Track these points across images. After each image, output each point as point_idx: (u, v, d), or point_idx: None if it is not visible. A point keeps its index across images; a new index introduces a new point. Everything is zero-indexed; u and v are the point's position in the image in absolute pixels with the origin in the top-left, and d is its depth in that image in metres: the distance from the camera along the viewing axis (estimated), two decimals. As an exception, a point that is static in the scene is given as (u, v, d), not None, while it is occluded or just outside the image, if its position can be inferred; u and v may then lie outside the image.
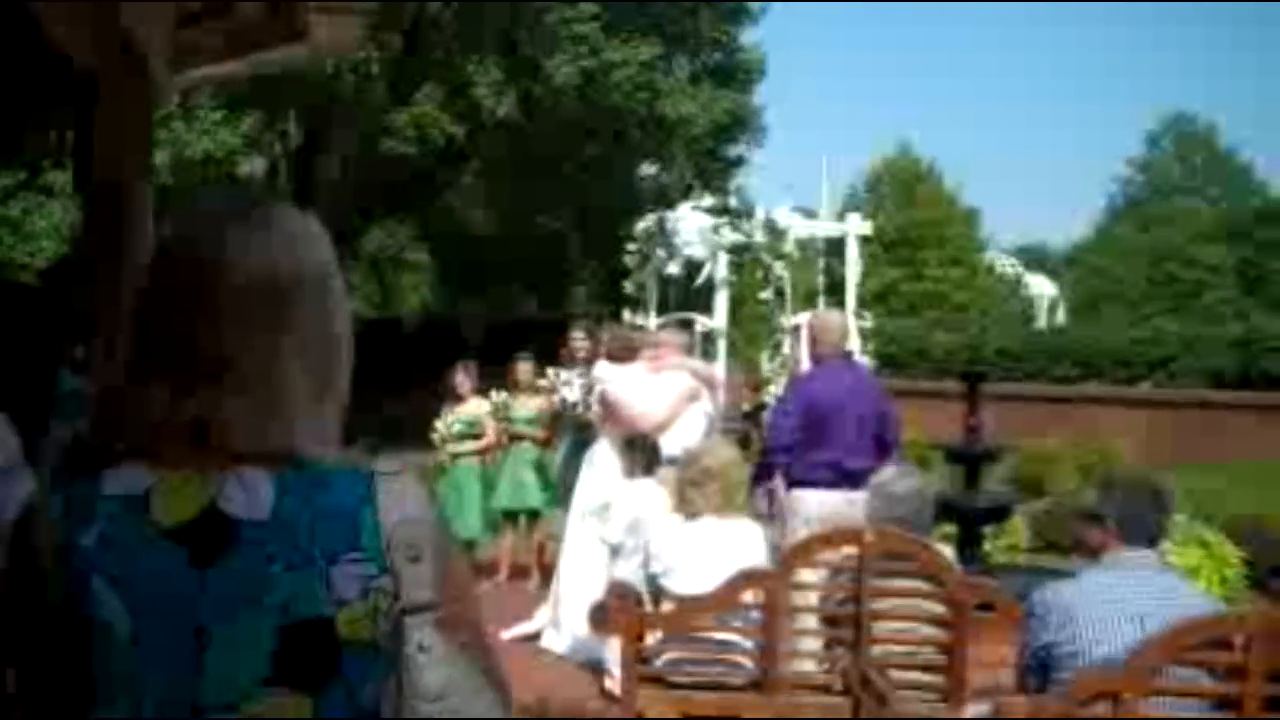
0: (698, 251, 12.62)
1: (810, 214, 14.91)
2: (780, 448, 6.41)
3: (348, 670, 1.33)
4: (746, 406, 10.06)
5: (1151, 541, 3.60)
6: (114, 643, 1.29)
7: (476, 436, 8.94)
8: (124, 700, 1.29)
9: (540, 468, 8.79)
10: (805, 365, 8.30)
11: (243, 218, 1.43)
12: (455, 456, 8.84)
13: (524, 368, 9.07)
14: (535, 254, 23.51)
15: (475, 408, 9.00)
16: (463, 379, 9.09)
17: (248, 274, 1.37)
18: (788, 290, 12.80)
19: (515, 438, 8.90)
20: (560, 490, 7.90)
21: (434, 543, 1.40)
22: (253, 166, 19.71)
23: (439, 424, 9.01)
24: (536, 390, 8.81)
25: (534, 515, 8.82)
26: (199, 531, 1.32)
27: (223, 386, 1.35)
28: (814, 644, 4.87)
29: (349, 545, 1.34)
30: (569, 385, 7.89)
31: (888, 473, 5.02)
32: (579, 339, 8.29)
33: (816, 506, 6.16)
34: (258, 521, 1.33)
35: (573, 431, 7.97)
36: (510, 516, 8.92)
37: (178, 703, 1.29)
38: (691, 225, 12.59)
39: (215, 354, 1.35)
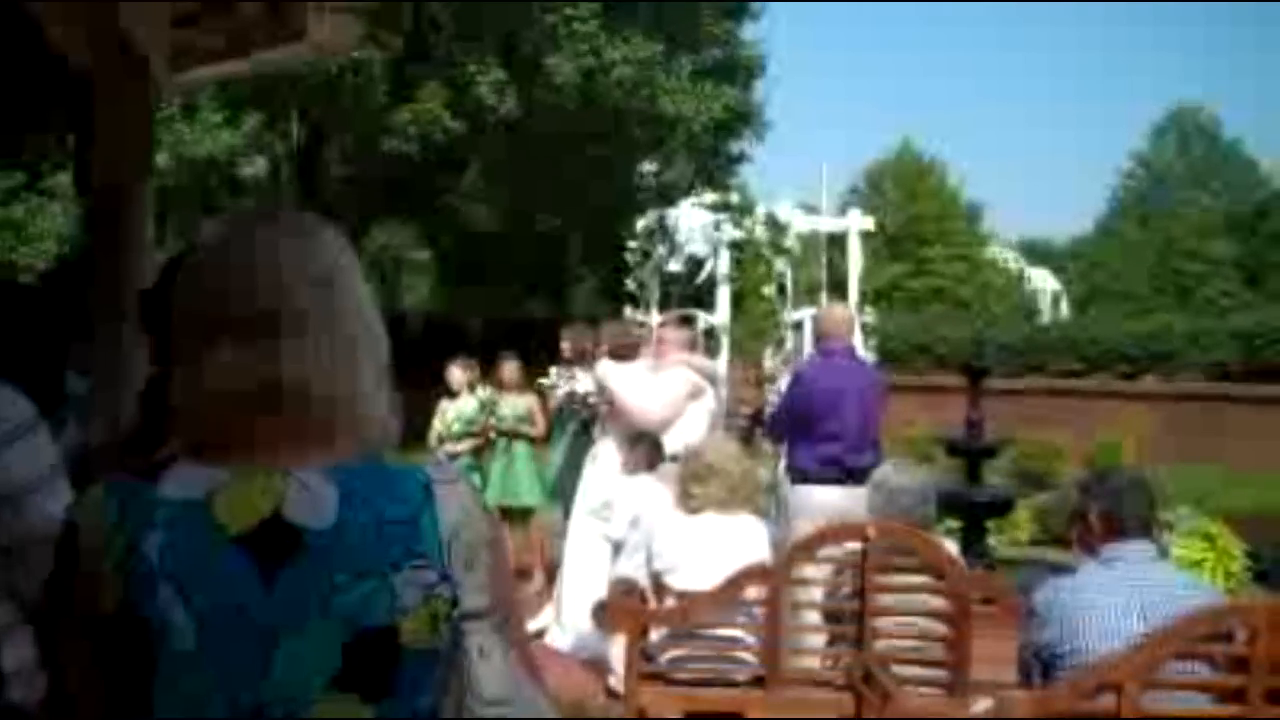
0: (699, 248, 12.61)
1: (812, 210, 14.90)
2: (783, 442, 6.41)
3: (408, 676, 1.34)
4: (748, 410, 10.06)
5: (1147, 533, 3.60)
6: (178, 649, 1.28)
7: (474, 435, 8.97)
8: (186, 707, 1.28)
9: (534, 465, 8.81)
10: (808, 359, 8.29)
11: (289, 220, 1.46)
12: (453, 455, 8.85)
13: (509, 366, 9.10)
14: (536, 252, 23.50)
15: (467, 405, 9.02)
16: (457, 376, 9.11)
17: (304, 269, 1.40)
18: (790, 286, 12.79)
19: (504, 434, 8.91)
20: (560, 488, 7.90)
21: (488, 547, 1.43)
22: (255, 167, 19.71)
23: (436, 421, 9.04)
24: (524, 388, 8.83)
25: (527, 513, 8.82)
26: (264, 538, 1.32)
27: (294, 339, 1.37)
28: (817, 639, 4.88)
29: (411, 552, 1.35)
30: (574, 380, 7.88)
31: (887, 468, 5.02)
32: (575, 337, 8.28)
33: (820, 502, 6.15)
34: (322, 529, 1.33)
35: (572, 428, 7.97)
36: (505, 514, 8.93)
37: (241, 709, 1.29)
38: (693, 222, 12.58)
39: (282, 314, 1.37)
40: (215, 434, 1.36)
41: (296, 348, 1.37)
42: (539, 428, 8.85)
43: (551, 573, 7.71)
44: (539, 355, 9.49)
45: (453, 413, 9.04)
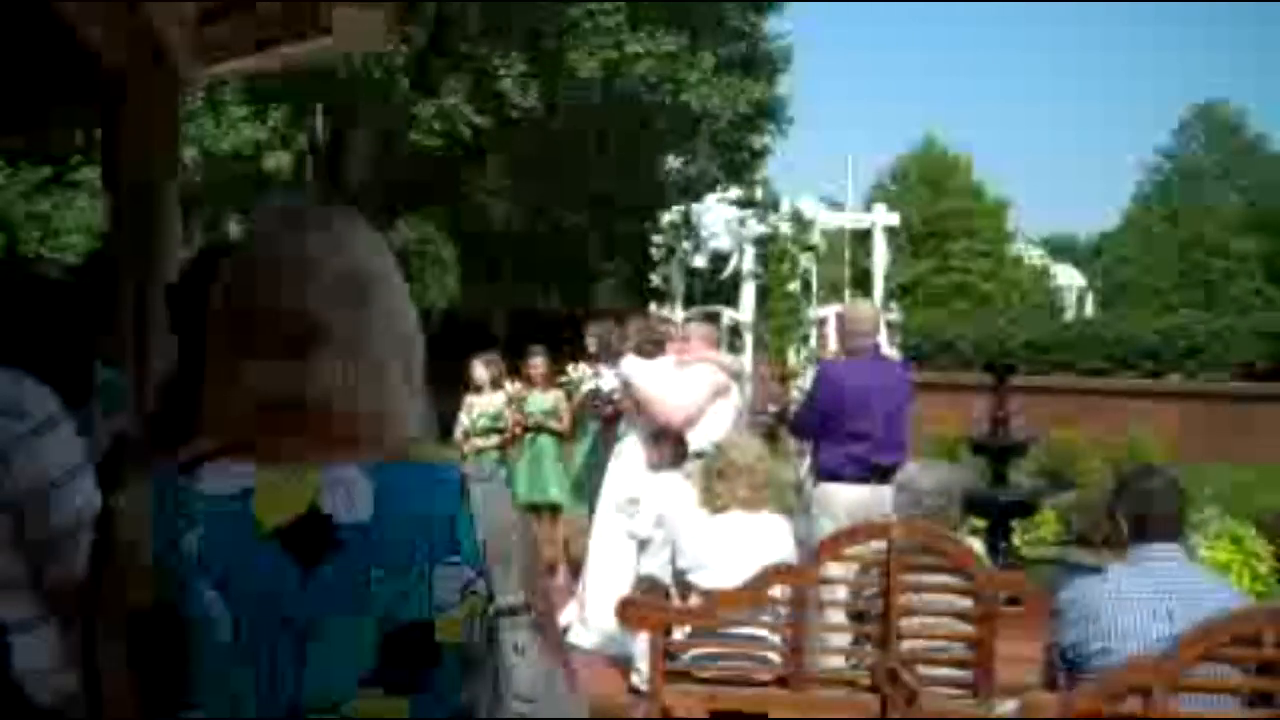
0: (723, 244, 12.59)
1: (837, 205, 14.86)
2: (808, 439, 6.37)
3: (444, 672, 1.35)
4: (774, 407, 10.05)
5: (1173, 536, 3.57)
6: (216, 642, 1.29)
7: (500, 430, 8.97)
8: (224, 701, 1.29)
9: (560, 461, 8.80)
10: (834, 357, 8.27)
11: (320, 217, 1.46)
12: (479, 451, 8.86)
13: (537, 361, 9.09)
14: (560, 247, 23.51)
15: (493, 400, 9.03)
16: (481, 372, 9.12)
17: (334, 270, 1.40)
18: (814, 282, 12.76)
19: (533, 429, 8.91)
20: (585, 485, 7.90)
21: (522, 545, 1.44)
22: (279, 161, 19.75)
23: (462, 416, 9.05)
24: (552, 383, 8.82)
25: (555, 509, 8.81)
26: (302, 534, 1.33)
27: (318, 355, 1.37)
28: (842, 639, 4.86)
29: (447, 548, 1.36)
30: (599, 376, 7.87)
31: (912, 467, 5.00)
32: (601, 333, 8.28)
33: (846, 500, 6.13)
34: (360, 524, 1.34)
35: (596, 425, 7.96)
36: (532, 510, 8.93)
37: (278, 704, 1.30)
38: (717, 217, 12.56)
39: (308, 326, 1.37)
40: (255, 433, 1.36)
41: (335, 353, 1.38)
42: (565, 423, 8.84)
43: (576, 569, 7.70)
44: (563, 351, 9.49)
45: (478, 409, 9.05)
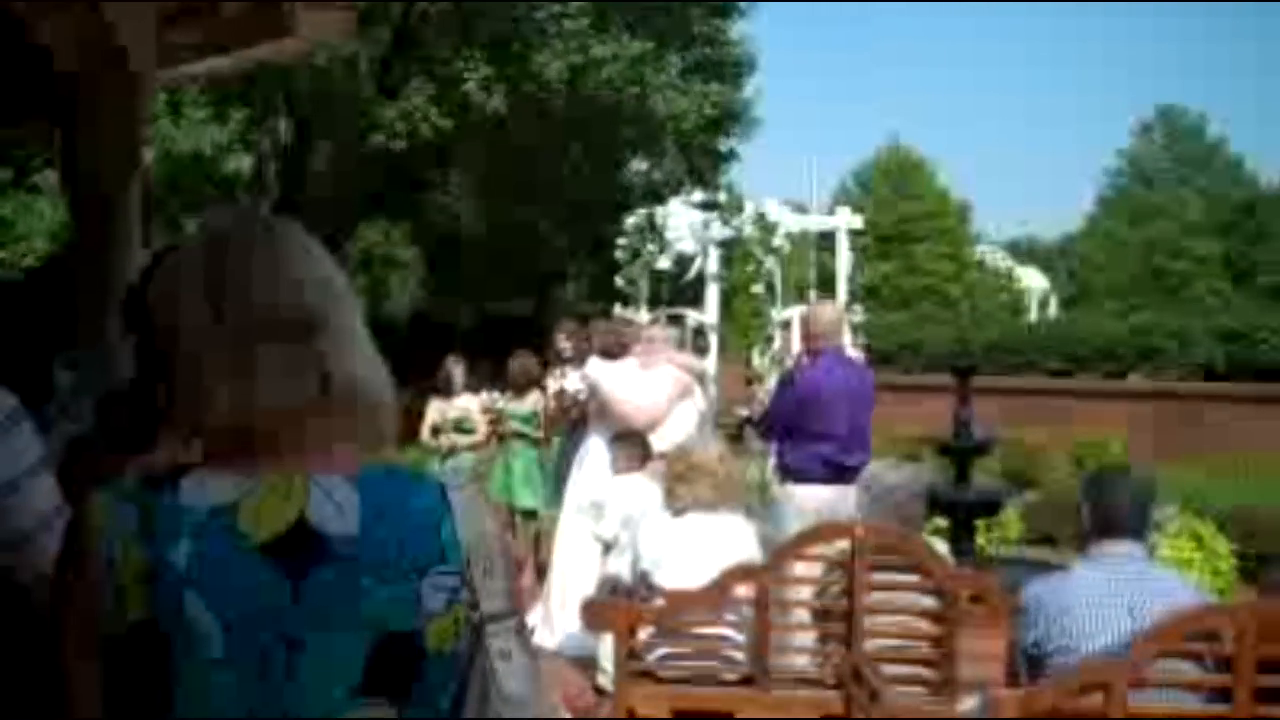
0: (688, 246, 12.64)
1: (801, 208, 14.92)
2: (774, 439, 6.39)
3: (432, 680, 1.36)
4: (745, 411, 10.06)
5: (1138, 534, 3.60)
6: (205, 657, 1.28)
7: (470, 433, 8.94)
8: (212, 713, 1.29)
9: (538, 467, 8.76)
10: (798, 358, 8.29)
11: (280, 224, 1.48)
12: (451, 450, 8.84)
13: (518, 365, 9.05)
14: (525, 249, 23.47)
15: (466, 404, 8.99)
16: (456, 373, 9.10)
17: (310, 270, 1.42)
18: (778, 285, 12.81)
19: (509, 436, 8.87)
20: (553, 487, 7.89)
21: (503, 552, 1.46)
22: (240, 163, 19.62)
23: (431, 412, 9.02)
24: (532, 387, 8.79)
25: (529, 514, 8.79)
26: (290, 546, 1.33)
27: (321, 342, 1.39)
28: (806, 638, 4.88)
29: (434, 558, 1.37)
30: (564, 378, 7.87)
31: (876, 467, 5.02)
32: (564, 337, 8.27)
33: (811, 500, 6.15)
34: (348, 536, 1.34)
35: (568, 428, 7.95)
36: (506, 515, 8.91)
37: (267, 714, 1.29)
38: (681, 220, 12.61)
39: (308, 317, 1.39)
40: (237, 442, 1.35)
41: (334, 341, 1.40)
42: (541, 428, 8.81)
43: (541, 571, 7.69)
44: (531, 353, 9.47)
45: (452, 412, 9.01)
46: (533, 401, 8.76)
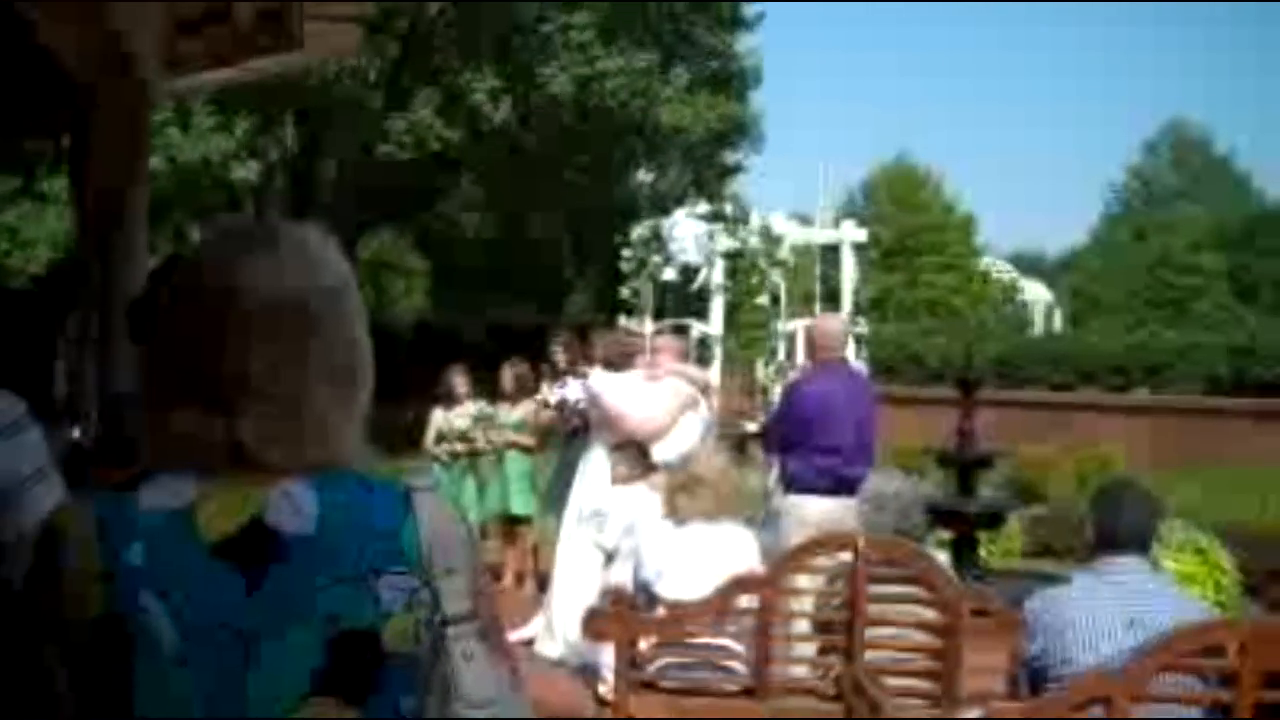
0: (693, 258, 12.66)
1: (806, 221, 14.95)
2: (777, 452, 6.39)
3: (392, 681, 1.35)
4: (753, 427, 10.06)
5: (1142, 547, 3.60)
6: (161, 660, 1.28)
7: (473, 441, 8.96)
8: (169, 712, 1.29)
9: (530, 475, 8.77)
10: (802, 370, 8.30)
11: (249, 241, 1.44)
12: (453, 456, 8.87)
13: (510, 374, 9.05)
14: (531, 260, 23.51)
15: (463, 412, 9.03)
16: (459, 381, 9.12)
17: (260, 299, 1.37)
18: (783, 297, 12.83)
19: (500, 444, 8.87)
20: (553, 496, 7.88)
21: (467, 553, 1.44)
22: (248, 171, 19.64)
23: (436, 418, 9.05)
24: (525, 396, 8.80)
25: (522, 522, 8.78)
26: (246, 546, 1.33)
27: (251, 404, 1.35)
28: (807, 649, 4.87)
29: (393, 559, 1.37)
30: (565, 388, 7.86)
31: (879, 479, 5.02)
32: (560, 348, 8.25)
33: (814, 512, 6.15)
34: (304, 536, 1.34)
35: (564, 437, 7.94)
36: (500, 523, 8.91)
37: (223, 715, 1.29)
38: (687, 232, 12.64)
39: (240, 372, 1.35)
40: (196, 449, 1.35)
41: (254, 400, 1.36)
42: (535, 437, 8.81)
43: (542, 581, 7.68)
44: (534, 362, 9.48)
45: (452, 420, 9.03)
46: (524, 409, 8.77)
